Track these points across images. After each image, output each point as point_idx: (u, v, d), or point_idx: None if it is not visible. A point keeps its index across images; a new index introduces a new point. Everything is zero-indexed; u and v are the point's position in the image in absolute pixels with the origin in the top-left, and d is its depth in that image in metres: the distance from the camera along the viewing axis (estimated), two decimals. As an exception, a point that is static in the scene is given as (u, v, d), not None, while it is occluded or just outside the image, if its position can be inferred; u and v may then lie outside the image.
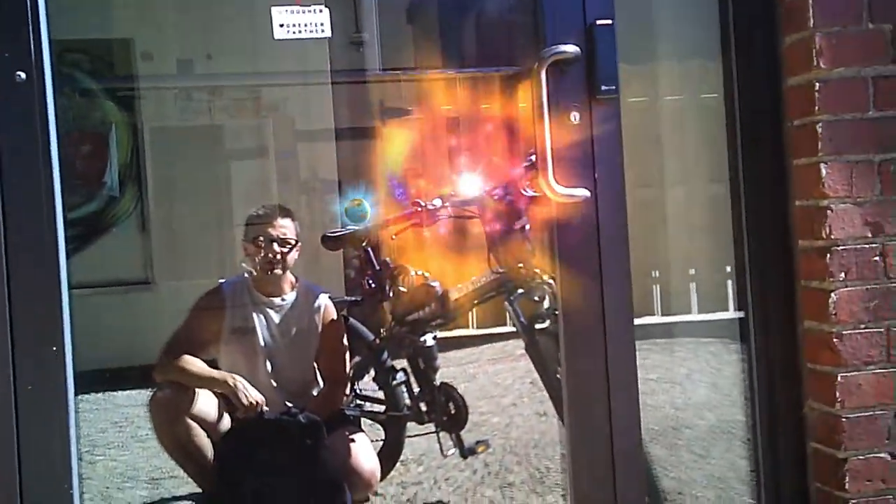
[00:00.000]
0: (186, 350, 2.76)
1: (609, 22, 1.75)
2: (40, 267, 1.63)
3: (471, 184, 2.87)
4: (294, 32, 1.90)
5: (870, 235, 1.85)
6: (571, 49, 1.73)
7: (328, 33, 1.92)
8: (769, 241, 1.97)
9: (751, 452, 2.05)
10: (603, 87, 1.74)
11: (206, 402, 2.74)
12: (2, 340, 1.60)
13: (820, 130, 1.83)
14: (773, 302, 1.97)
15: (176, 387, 2.69)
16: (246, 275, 2.95)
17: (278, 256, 2.86)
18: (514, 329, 5.07)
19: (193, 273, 5.25)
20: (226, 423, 2.75)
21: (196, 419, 2.69)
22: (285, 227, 2.89)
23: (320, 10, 1.90)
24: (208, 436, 2.70)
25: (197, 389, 2.73)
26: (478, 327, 5.76)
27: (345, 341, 2.97)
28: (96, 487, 3.35)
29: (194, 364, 2.74)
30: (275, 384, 2.85)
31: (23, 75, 1.61)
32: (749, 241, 1.98)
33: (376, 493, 3.06)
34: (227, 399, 2.78)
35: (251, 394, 2.67)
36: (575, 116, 1.76)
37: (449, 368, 3.19)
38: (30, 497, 1.62)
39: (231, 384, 2.68)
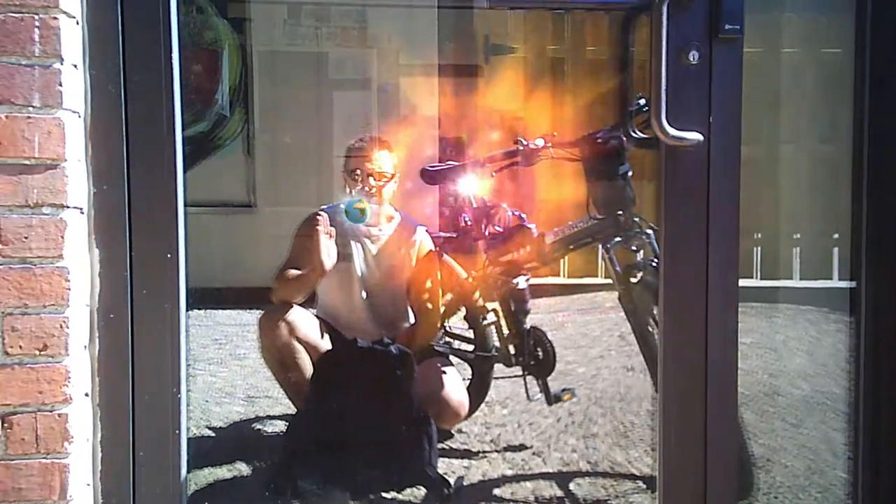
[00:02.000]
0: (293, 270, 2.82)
1: (739, -43, 1.65)
2: (160, 174, 1.67)
3: (574, 125, 2.80)
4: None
5: None
6: (698, -16, 1.64)
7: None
8: (890, 207, 1.85)
9: (847, 425, 1.97)
10: (726, 26, 1.65)
11: (311, 326, 2.81)
12: (120, 244, 1.66)
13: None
14: (888, 272, 1.86)
15: (286, 309, 2.76)
16: (342, 205, 2.98)
17: (375, 189, 2.88)
18: (605, 281, 5.03)
19: (294, 199, 5.35)
20: (326, 344, 2.82)
21: (301, 340, 2.76)
22: (382, 160, 2.90)
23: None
24: (310, 357, 2.78)
25: (303, 316, 2.79)
26: (569, 276, 5.71)
27: (437, 277, 2.98)
28: (195, 400, 3.50)
29: (293, 273, 2.81)
30: (370, 313, 2.90)
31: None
32: (868, 204, 1.86)
33: (461, 431, 3.10)
34: (329, 324, 2.84)
35: (324, 237, 2.72)
36: (694, 55, 1.67)
37: (538, 315, 3.16)
38: (141, 397, 1.69)
39: (319, 263, 2.72)
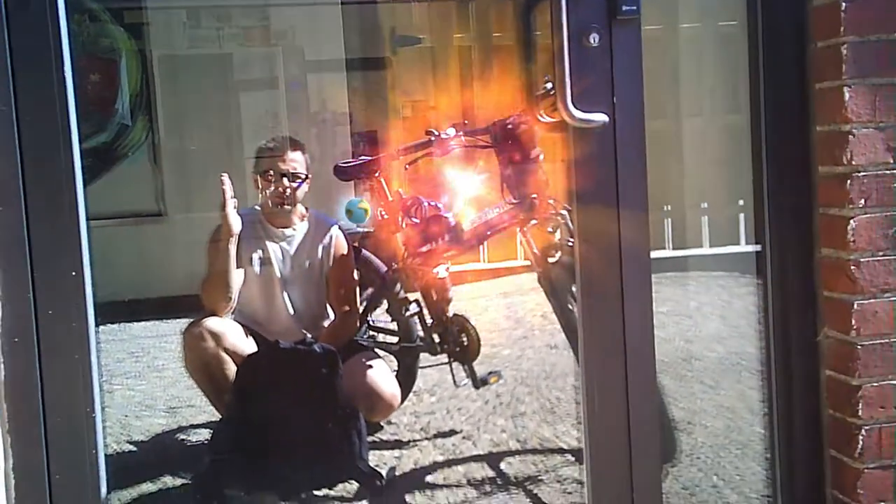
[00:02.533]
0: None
1: (631, -62, 1.69)
2: (58, 190, 1.62)
3: (484, 113, 2.83)
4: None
5: (892, 161, 1.82)
6: (591, -33, 1.67)
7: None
8: (789, 169, 1.93)
9: (762, 383, 2.05)
10: (624, 8, 1.69)
11: (236, 334, 2.76)
12: (21, 265, 1.61)
13: (845, 52, 1.78)
14: (790, 232, 1.95)
15: (212, 321, 2.72)
16: (257, 207, 2.94)
17: (288, 191, 2.85)
18: (524, 263, 5.10)
19: (205, 205, 5.24)
20: (250, 348, 2.78)
21: (227, 350, 2.72)
22: (295, 161, 2.87)
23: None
24: (234, 363, 2.74)
25: (229, 325, 2.75)
26: (489, 262, 5.77)
27: (355, 273, 2.98)
28: (115, 416, 3.41)
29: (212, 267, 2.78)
30: (292, 313, 2.88)
31: (36, -5, 1.58)
32: (768, 170, 1.94)
33: (390, 422, 3.11)
34: (252, 329, 2.80)
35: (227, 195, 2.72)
36: (594, 38, 1.71)
37: (460, 302, 3.20)
38: (53, 421, 1.64)
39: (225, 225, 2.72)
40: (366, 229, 3.25)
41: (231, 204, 2.72)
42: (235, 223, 2.74)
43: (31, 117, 1.60)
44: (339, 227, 2.98)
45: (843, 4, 1.77)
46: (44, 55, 1.59)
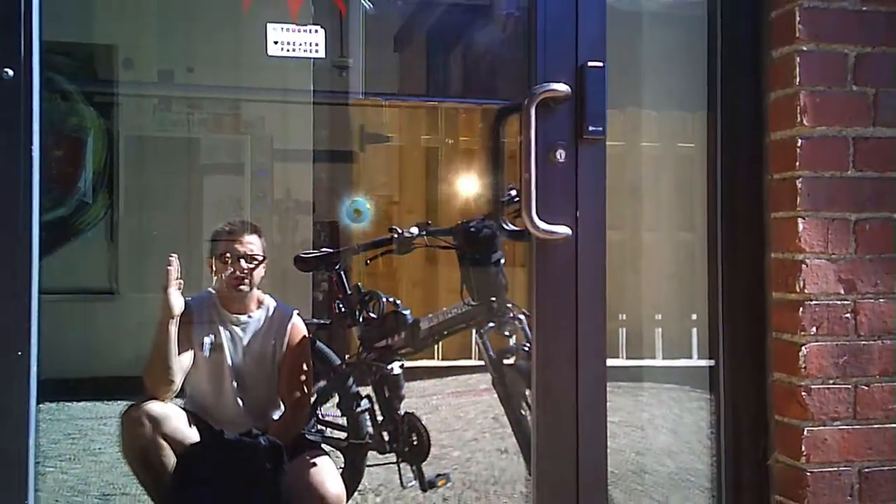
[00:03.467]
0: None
1: (600, 64, 1.77)
2: (11, 268, 1.59)
3: (448, 214, 2.88)
4: (288, 50, 1.90)
5: (842, 292, 1.87)
6: (563, 88, 1.74)
7: (321, 54, 1.92)
8: (743, 291, 1.98)
9: (712, 501, 2.04)
10: (590, 128, 1.76)
11: (177, 420, 2.67)
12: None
13: (800, 185, 1.86)
14: (743, 352, 1.98)
15: (153, 405, 2.64)
16: (213, 291, 2.91)
17: (244, 273, 2.82)
18: (478, 363, 5.08)
19: (158, 286, 5.18)
20: (192, 437, 2.69)
21: (167, 437, 2.63)
22: (252, 244, 2.85)
23: (315, 31, 1.90)
24: (174, 451, 2.64)
25: (169, 411, 2.67)
26: (443, 359, 5.73)
27: (309, 364, 2.93)
28: (45, 500, 3.25)
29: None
30: (241, 403, 2.80)
31: (10, 72, 1.58)
32: (724, 289, 1.99)
33: (333, 522, 3.01)
34: (196, 416, 2.73)
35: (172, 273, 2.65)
36: (560, 154, 1.76)
37: (412, 399, 3.16)
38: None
39: (166, 299, 2.65)
40: (321, 321, 3.22)
41: (175, 285, 2.68)
42: (177, 304, 2.69)
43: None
44: (298, 316, 2.95)
45: (800, 141, 1.86)
46: (13, 130, 1.59)
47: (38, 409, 1.63)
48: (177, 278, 2.68)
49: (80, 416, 4.48)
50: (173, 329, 2.69)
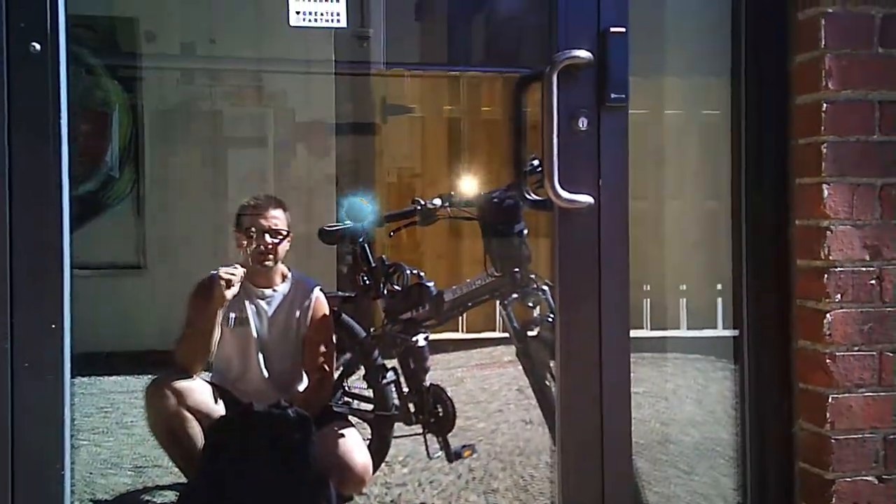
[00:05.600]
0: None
1: (623, 30, 1.75)
2: (44, 241, 1.61)
3: (471, 185, 2.87)
4: (310, 20, 1.89)
5: (868, 258, 1.86)
6: (584, 54, 1.73)
7: (344, 24, 1.91)
8: (768, 259, 1.97)
9: (735, 470, 2.05)
10: (612, 95, 1.74)
11: (202, 393, 2.72)
12: (0, 315, 1.59)
13: (824, 151, 1.84)
14: (767, 320, 1.97)
15: (174, 378, 2.68)
16: (237, 265, 2.93)
17: (269, 248, 2.85)
18: (503, 335, 5.09)
19: (186, 260, 5.23)
20: (219, 410, 2.73)
21: (191, 410, 2.67)
22: (277, 218, 2.87)
23: (337, 1, 1.89)
24: (200, 424, 2.69)
25: (193, 384, 2.71)
26: (467, 331, 5.75)
27: (333, 337, 2.95)
28: (79, 473, 3.32)
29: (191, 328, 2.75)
30: (266, 376, 2.84)
31: (38, 46, 1.60)
32: (748, 258, 1.97)
33: (360, 492, 3.05)
34: (223, 389, 2.77)
35: (228, 270, 2.69)
36: (583, 122, 1.75)
37: (437, 371, 3.18)
38: (21, 476, 1.60)
39: (219, 291, 2.69)
40: (346, 294, 3.24)
41: (235, 289, 2.73)
42: (231, 294, 2.73)
43: (25, 167, 1.60)
44: (321, 290, 2.97)
45: (825, 105, 1.84)
46: (42, 107, 1.61)
47: (73, 383, 1.66)
48: (238, 283, 2.72)
49: (111, 389, 4.55)
50: (220, 314, 2.73)
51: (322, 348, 2.89)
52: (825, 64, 1.83)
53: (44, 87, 1.61)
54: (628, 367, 1.83)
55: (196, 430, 2.66)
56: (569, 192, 1.72)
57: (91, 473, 3.34)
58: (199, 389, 2.72)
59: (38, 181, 1.61)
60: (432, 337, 3.05)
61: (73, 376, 1.64)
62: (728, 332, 2.08)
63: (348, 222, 3.05)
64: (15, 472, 1.59)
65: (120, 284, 5.39)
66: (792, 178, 1.94)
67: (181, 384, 2.67)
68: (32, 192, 1.61)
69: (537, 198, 1.94)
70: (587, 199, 1.75)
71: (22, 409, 1.60)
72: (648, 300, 5.99)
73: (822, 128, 1.84)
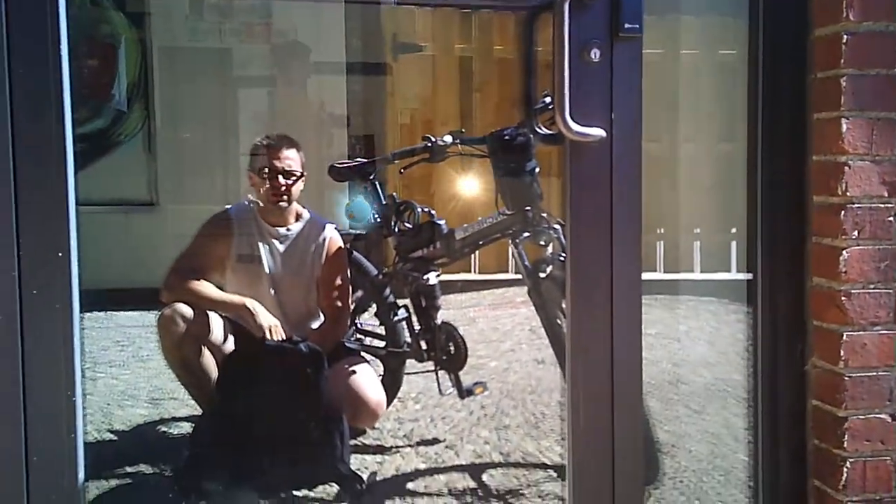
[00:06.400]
0: (194, 272, 2.75)
1: (638, -42, 1.69)
2: (48, 170, 1.60)
3: (482, 123, 2.84)
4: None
5: (886, 195, 1.82)
6: (597, -18, 1.67)
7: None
8: (783, 197, 1.94)
9: (747, 410, 2.05)
10: (626, 25, 1.69)
11: (214, 324, 2.74)
12: (6, 243, 1.59)
13: (844, 84, 1.79)
14: (782, 260, 1.95)
15: (186, 306, 2.69)
16: (250, 204, 2.93)
17: (283, 188, 2.84)
18: (515, 276, 5.10)
19: (198, 197, 5.23)
20: (230, 345, 2.76)
21: (204, 340, 2.69)
22: (291, 159, 2.86)
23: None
24: (214, 357, 2.71)
25: (206, 315, 2.72)
26: (479, 272, 5.76)
27: (347, 274, 2.96)
28: (97, 404, 3.38)
29: (208, 287, 2.75)
30: (279, 312, 2.86)
31: (35, -26, 1.56)
32: (763, 198, 1.94)
33: (373, 426, 3.09)
34: (235, 322, 2.79)
35: (268, 318, 2.68)
36: (595, 54, 1.71)
37: (449, 311, 3.19)
38: (33, 403, 1.62)
39: (250, 308, 2.69)
40: (358, 231, 3.24)
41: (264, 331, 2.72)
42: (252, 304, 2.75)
43: (25, 95, 1.58)
44: (335, 229, 2.97)
45: (845, 37, 1.78)
46: (40, 34, 1.58)
47: (82, 318, 1.66)
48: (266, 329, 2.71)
49: (126, 324, 4.61)
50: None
51: (336, 286, 2.90)
52: (847, -7, 1.77)
53: (42, 11, 1.57)
54: (639, 302, 1.81)
55: (209, 361, 2.69)
56: (580, 124, 1.69)
57: (108, 405, 3.40)
58: (212, 321, 2.74)
59: (40, 109, 1.59)
60: (444, 277, 3.05)
61: (84, 309, 1.65)
62: (742, 276, 2.06)
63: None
64: (27, 398, 1.61)
65: (134, 221, 5.41)
66: (809, 114, 1.90)
67: (194, 313, 2.69)
68: (35, 120, 1.59)
69: (548, 132, 1.91)
70: (599, 132, 1.71)
71: (32, 336, 1.61)
72: (662, 243, 5.97)
73: (842, 60, 1.79)
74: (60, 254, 1.60)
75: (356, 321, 3.24)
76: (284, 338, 2.63)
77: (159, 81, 5.54)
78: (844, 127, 1.80)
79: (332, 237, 2.94)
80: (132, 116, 5.45)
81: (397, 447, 2.99)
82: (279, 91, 5.71)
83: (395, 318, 3.05)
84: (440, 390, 2.97)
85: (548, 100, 2.50)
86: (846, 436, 1.83)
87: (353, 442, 2.79)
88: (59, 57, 1.58)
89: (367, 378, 2.77)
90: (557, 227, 2.64)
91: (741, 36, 1.98)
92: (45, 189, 1.60)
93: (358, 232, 3.15)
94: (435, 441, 3.06)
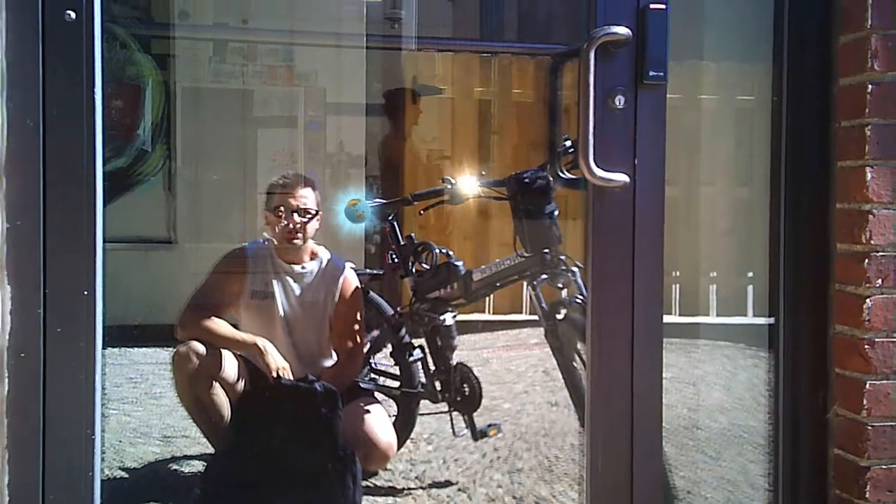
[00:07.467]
0: (208, 309, 2.76)
1: (663, 7, 1.72)
2: (77, 209, 1.62)
3: (501, 166, 2.86)
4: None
5: (910, 243, 1.82)
6: (623, 31, 1.69)
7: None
8: (806, 243, 1.94)
9: (764, 457, 2.02)
10: (651, 73, 1.71)
11: (228, 362, 2.74)
12: (33, 279, 1.60)
13: (869, 133, 1.80)
14: (805, 306, 1.94)
15: (201, 344, 2.70)
16: (266, 242, 2.94)
17: (298, 226, 2.85)
18: (529, 317, 5.08)
19: (216, 236, 5.27)
20: (244, 384, 2.75)
21: (217, 378, 2.69)
22: (306, 197, 2.87)
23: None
24: (227, 396, 2.71)
25: (221, 354, 2.72)
26: (494, 313, 5.75)
27: (362, 314, 2.96)
28: (109, 441, 3.36)
29: (221, 325, 2.75)
30: (292, 351, 2.86)
31: (72, 14, 1.60)
32: (786, 243, 1.94)
33: (385, 468, 3.06)
34: (249, 361, 2.78)
35: (278, 359, 2.68)
36: (619, 100, 1.73)
37: (463, 352, 3.18)
38: (52, 440, 1.62)
39: (260, 347, 2.69)
40: (374, 272, 3.25)
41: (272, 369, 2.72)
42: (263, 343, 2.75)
43: (58, 136, 1.61)
44: (352, 269, 2.98)
45: (870, 87, 1.79)
46: (76, 76, 1.61)
47: (104, 354, 1.67)
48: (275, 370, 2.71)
49: (140, 361, 4.61)
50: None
51: (351, 326, 2.90)
52: (871, 44, 1.79)
53: (78, 55, 1.60)
54: (660, 349, 1.81)
55: (222, 399, 2.68)
56: (604, 170, 1.70)
57: (120, 441, 3.38)
58: (226, 359, 2.74)
59: (72, 148, 1.62)
60: (459, 317, 3.05)
61: (104, 344, 1.66)
62: (761, 320, 2.05)
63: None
64: (46, 434, 1.62)
65: (151, 258, 5.44)
66: (833, 162, 1.90)
67: (207, 351, 2.69)
68: (66, 158, 1.62)
69: (571, 176, 1.92)
70: (623, 177, 1.72)
71: (54, 372, 1.62)
72: (678, 286, 5.95)
73: (868, 110, 1.80)
74: (86, 292, 1.62)
75: (371, 361, 3.23)
76: (293, 379, 2.62)
77: (182, 121, 5.62)
78: (869, 175, 1.80)
79: (348, 277, 2.95)
80: (154, 155, 5.51)
81: (409, 489, 2.96)
82: (299, 131, 5.77)
83: (411, 359, 3.04)
84: (454, 432, 2.95)
85: (568, 143, 2.53)
86: (868, 486, 1.81)
87: (364, 483, 2.76)
88: (93, 100, 1.61)
89: (378, 419, 2.75)
90: (575, 269, 2.64)
91: (760, 81, 2.00)
92: (73, 228, 1.62)
93: (374, 272, 3.16)
94: (447, 483, 3.03)
